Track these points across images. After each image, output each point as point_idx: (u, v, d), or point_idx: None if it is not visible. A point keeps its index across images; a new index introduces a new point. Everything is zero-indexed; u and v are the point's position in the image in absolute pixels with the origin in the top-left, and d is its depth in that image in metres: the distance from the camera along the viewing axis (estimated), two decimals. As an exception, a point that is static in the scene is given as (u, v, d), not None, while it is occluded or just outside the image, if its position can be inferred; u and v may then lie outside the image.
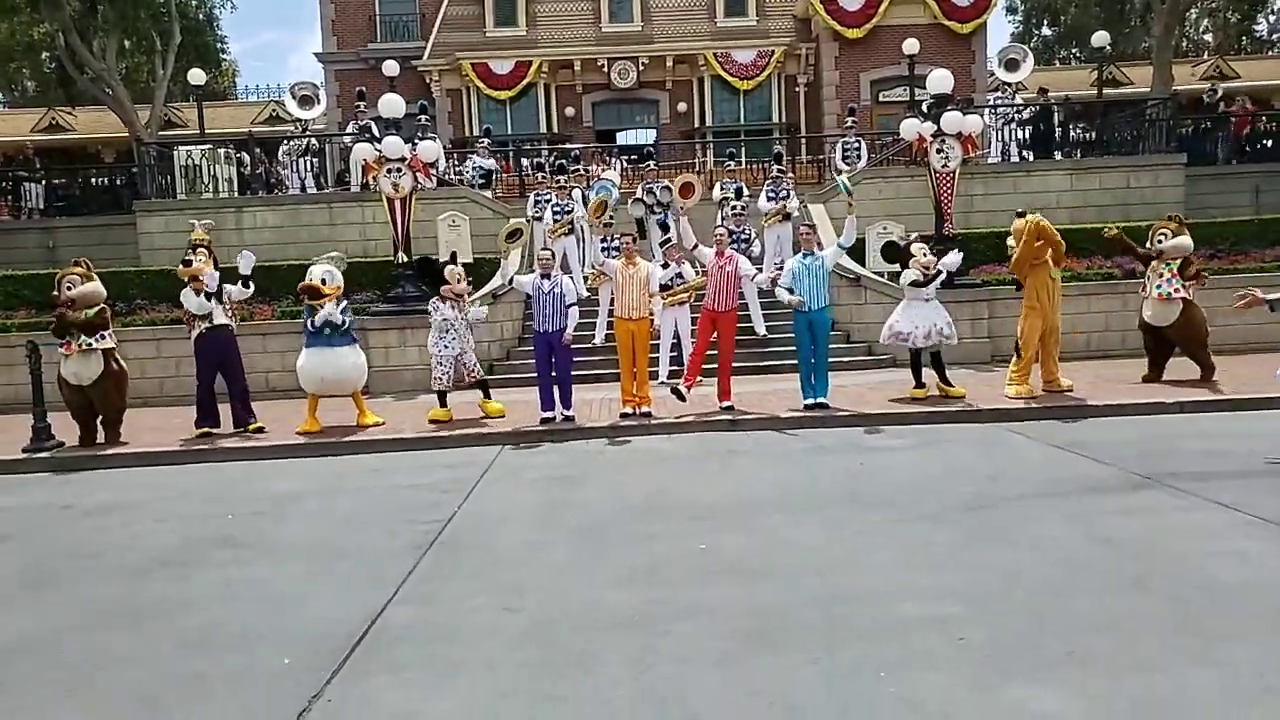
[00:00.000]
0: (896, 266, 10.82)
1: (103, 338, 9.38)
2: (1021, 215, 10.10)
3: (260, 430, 9.70)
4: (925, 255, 10.09)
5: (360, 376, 9.96)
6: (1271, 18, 41.43)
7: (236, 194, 17.32)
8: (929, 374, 10.16)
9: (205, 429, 9.70)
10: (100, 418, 9.63)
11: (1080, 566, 4.92)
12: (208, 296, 9.52)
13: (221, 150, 17.71)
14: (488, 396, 10.21)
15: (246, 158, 18.19)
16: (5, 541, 6.48)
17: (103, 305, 9.53)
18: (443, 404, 10.04)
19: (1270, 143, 20.11)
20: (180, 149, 17.58)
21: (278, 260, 14.88)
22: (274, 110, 29.23)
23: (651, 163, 16.19)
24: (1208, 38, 42.01)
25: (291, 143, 18.58)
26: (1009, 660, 3.80)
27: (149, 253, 16.02)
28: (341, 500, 7.20)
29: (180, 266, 9.70)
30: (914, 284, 10.01)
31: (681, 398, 9.82)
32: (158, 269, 14.62)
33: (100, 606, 4.97)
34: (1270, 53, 37.21)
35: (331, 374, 9.68)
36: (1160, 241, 10.58)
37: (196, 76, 18.46)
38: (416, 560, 5.51)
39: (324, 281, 9.65)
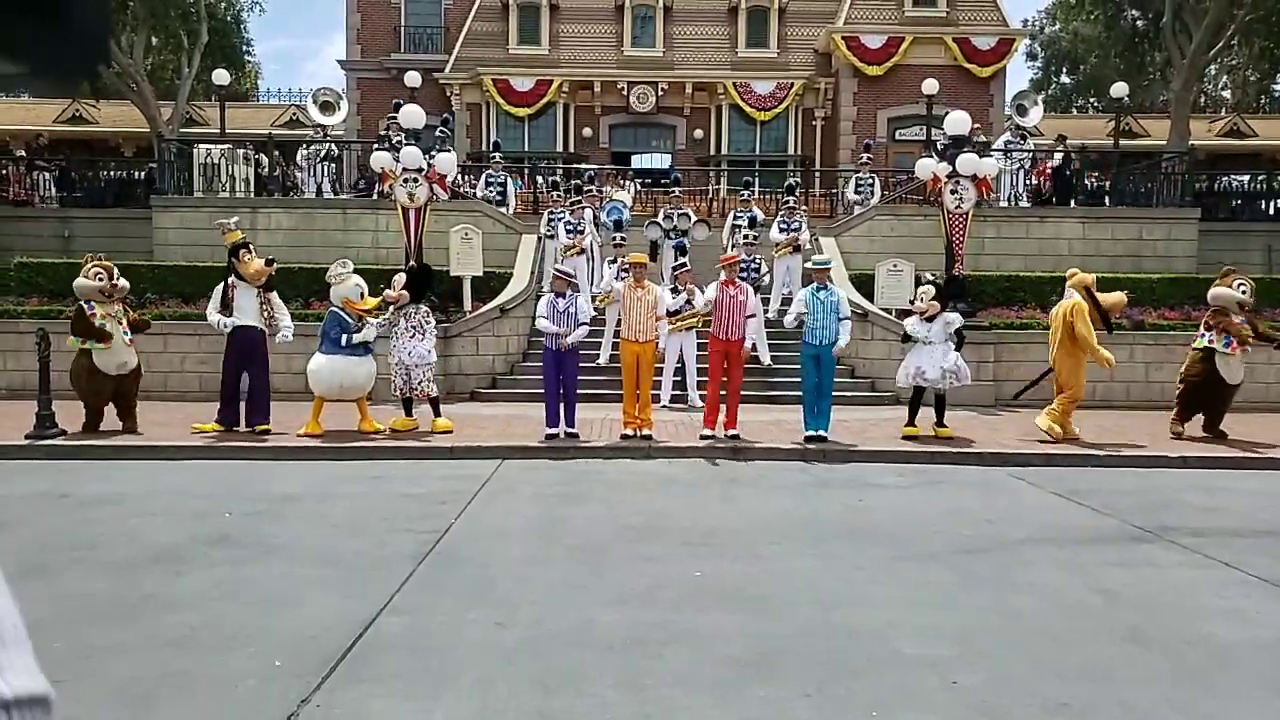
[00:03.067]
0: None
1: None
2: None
3: (266, 432, 9.69)
4: (926, 299, 10.10)
5: (371, 384, 10.01)
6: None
7: (253, 195, 17.43)
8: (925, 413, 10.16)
9: (223, 426, 9.74)
10: (119, 409, 9.77)
11: (1077, 615, 4.90)
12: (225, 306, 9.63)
13: (240, 150, 17.85)
14: (437, 414, 10.18)
15: (264, 159, 18.32)
16: (2, 529, 6.47)
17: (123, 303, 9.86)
18: (407, 412, 10.19)
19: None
20: (200, 147, 17.71)
21: (290, 263, 14.98)
22: (294, 114, 29.43)
23: (677, 188, 16.32)
24: (1226, 94, 42.23)
25: (310, 147, 18.70)
26: (1003, 706, 3.78)
27: (163, 248, 16.10)
28: (339, 505, 7.19)
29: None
30: (908, 334, 10.08)
31: (712, 438, 9.77)
32: (170, 264, 14.69)
33: (91, 599, 4.95)
34: (1287, 113, 37.40)
35: (349, 381, 9.76)
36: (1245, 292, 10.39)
37: (221, 77, 18.66)
38: (411, 570, 5.49)
39: (363, 295, 9.80)
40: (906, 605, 5.01)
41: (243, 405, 9.89)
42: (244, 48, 36.95)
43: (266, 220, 16.18)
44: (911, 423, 10.09)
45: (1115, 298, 10.28)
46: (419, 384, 10.04)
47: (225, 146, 17.58)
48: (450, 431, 9.97)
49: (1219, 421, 10.46)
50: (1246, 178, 21.10)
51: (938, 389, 10.04)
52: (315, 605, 4.87)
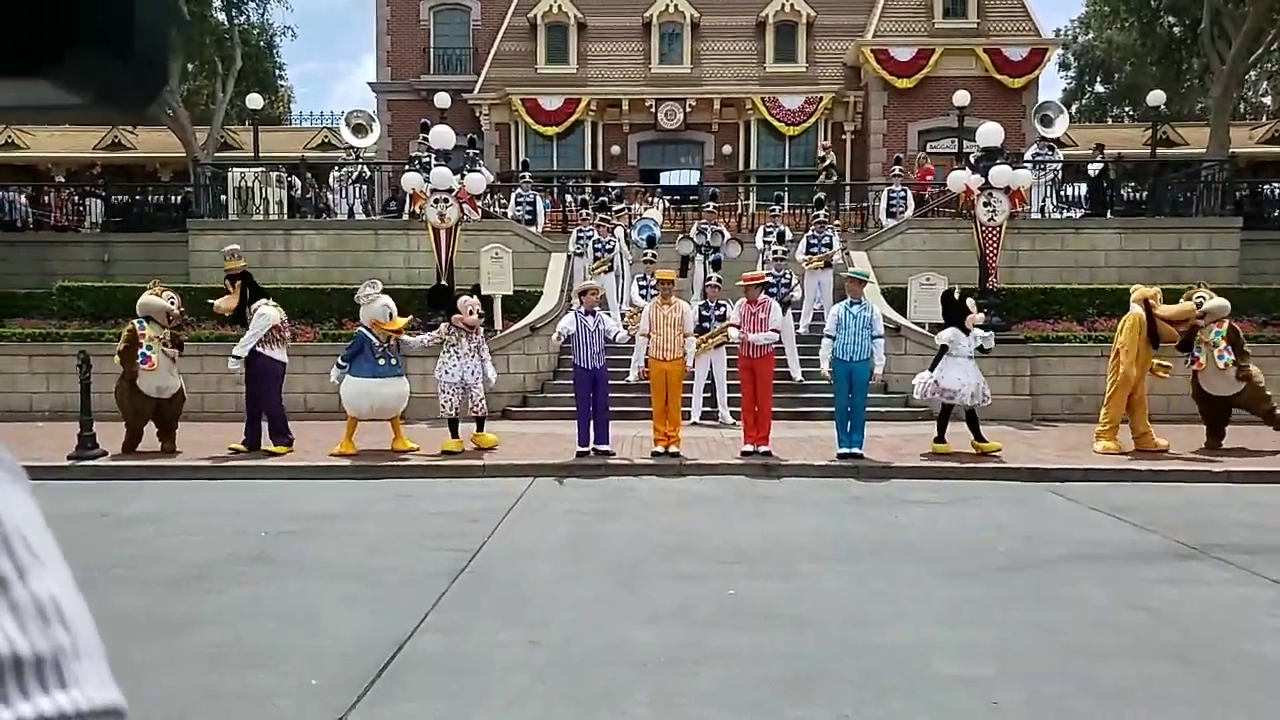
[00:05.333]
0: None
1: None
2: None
3: (272, 454, 9.75)
4: (976, 311, 10.03)
5: (403, 404, 10.07)
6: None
7: (286, 216, 17.67)
8: (951, 429, 10.03)
9: (247, 447, 9.86)
10: (159, 429, 9.94)
11: (1118, 633, 4.80)
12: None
13: (274, 173, 18.12)
14: (481, 429, 10.20)
15: (297, 182, 18.58)
16: (44, 547, 6.57)
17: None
18: (454, 434, 10.07)
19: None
20: (234, 170, 18.00)
21: (322, 284, 15.17)
22: (325, 137, 29.86)
23: (712, 204, 16.33)
24: (1267, 100, 41.56)
25: (343, 169, 18.95)
26: (1044, 726, 3.70)
27: (199, 270, 16.35)
28: (373, 524, 7.23)
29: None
30: (946, 345, 9.91)
31: (753, 453, 9.73)
32: (206, 286, 14.91)
33: (131, 616, 5.01)
34: (1328, 120, 36.66)
35: (379, 402, 9.84)
36: (1200, 303, 10.32)
37: (254, 101, 18.98)
38: (445, 588, 5.51)
39: (391, 315, 9.87)
40: (943, 624, 4.93)
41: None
42: (276, 72, 37.63)
43: (300, 242, 16.39)
44: (941, 439, 9.96)
45: (1180, 308, 10.12)
46: (479, 402, 10.10)
47: (259, 170, 17.86)
48: (495, 446, 10.00)
49: (1271, 417, 10.27)
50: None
51: (967, 406, 9.91)
52: (350, 623, 4.89)
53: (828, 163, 21.57)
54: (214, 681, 4.12)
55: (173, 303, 9.81)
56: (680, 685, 4.09)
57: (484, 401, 10.19)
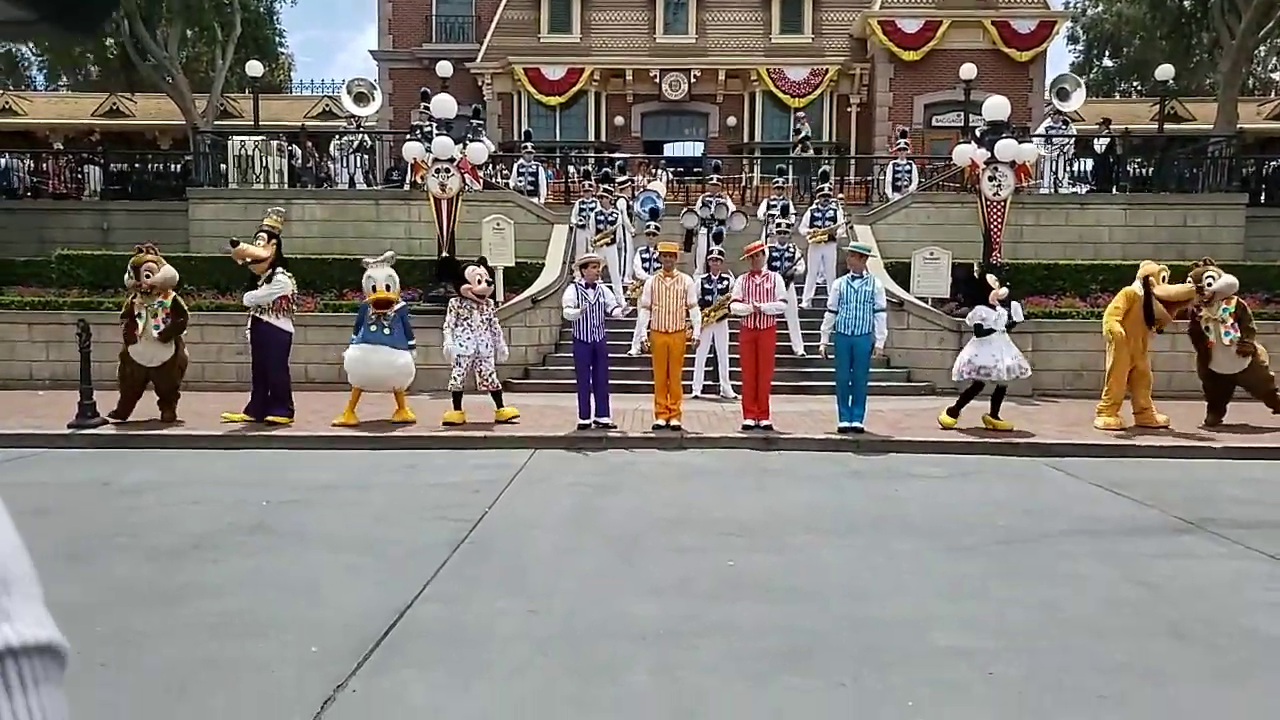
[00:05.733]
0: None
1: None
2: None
3: (274, 424, 9.73)
4: (998, 287, 9.95)
5: (403, 376, 9.98)
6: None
7: (286, 186, 17.59)
8: (968, 406, 10.02)
9: (250, 416, 9.85)
10: (159, 397, 9.89)
11: (1117, 608, 4.81)
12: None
13: (274, 142, 18.01)
14: (500, 405, 10.15)
15: (298, 150, 18.47)
16: (45, 516, 6.60)
17: (176, 299, 9.74)
18: (456, 405, 10.06)
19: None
20: (234, 139, 17.90)
21: (324, 253, 15.12)
22: (326, 105, 29.66)
23: (716, 176, 16.24)
24: (1276, 76, 41.19)
25: (344, 138, 18.83)
26: (1040, 699, 3.72)
27: (199, 239, 16.31)
28: (374, 494, 7.25)
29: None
30: (980, 324, 9.81)
31: (754, 428, 9.72)
32: (206, 255, 14.87)
33: (133, 585, 5.04)
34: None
35: (366, 370, 9.83)
36: (1209, 288, 10.21)
37: (254, 69, 18.81)
38: (445, 558, 5.53)
39: (389, 288, 9.85)
40: (942, 597, 4.95)
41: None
42: (277, 40, 37.28)
43: (300, 211, 16.32)
44: (956, 414, 9.93)
45: (1180, 289, 10.02)
46: (489, 376, 10.08)
47: (259, 138, 17.75)
48: (518, 418, 9.99)
49: (1271, 398, 10.29)
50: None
51: (1005, 381, 9.87)
52: (351, 593, 4.91)
53: (803, 135, 21.48)
54: (215, 650, 4.14)
55: (130, 277, 9.62)
56: (680, 657, 4.11)
57: (494, 375, 10.16)
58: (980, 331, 9.77)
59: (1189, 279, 10.24)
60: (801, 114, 24.34)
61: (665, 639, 4.31)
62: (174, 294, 9.72)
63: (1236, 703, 3.73)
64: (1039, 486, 7.82)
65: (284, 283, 9.75)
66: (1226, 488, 7.78)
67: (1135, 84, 41.22)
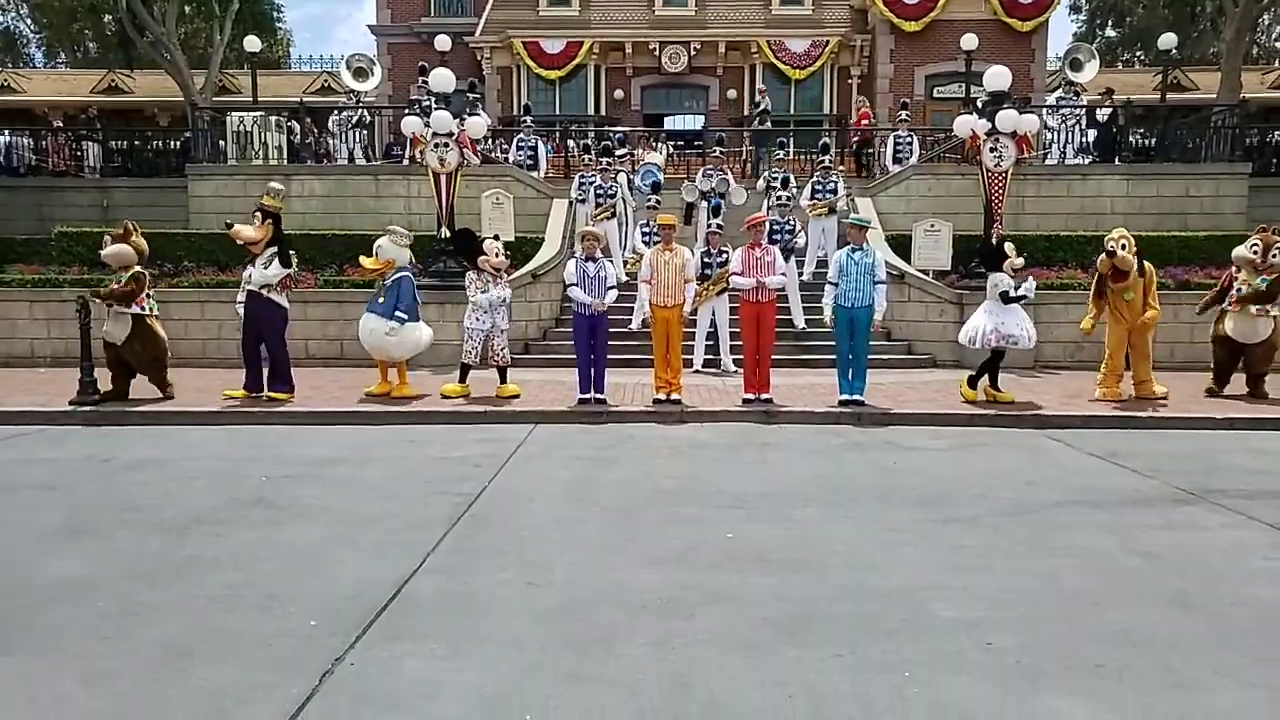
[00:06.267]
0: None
1: (135, 305, 9.55)
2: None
3: (275, 400, 9.71)
4: (1016, 257, 9.88)
5: (390, 346, 9.92)
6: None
7: (286, 162, 17.50)
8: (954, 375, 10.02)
9: (249, 392, 9.85)
10: (145, 376, 9.87)
11: (1117, 578, 4.82)
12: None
13: (273, 118, 17.89)
14: (504, 380, 10.12)
15: (297, 126, 18.36)
16: (50, 491, 6.62)
17: (137, 271, 9.57)
18: (462, 379, 10.06)
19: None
20: (233, 115, 17.78)
21: (324, 229, 15.07)
22: (325, 81, 29.47)
23: (718, 149, 16.16)
24: None
25: (343, 113, 18.71)
26: (1038, 669, 3.73)
27: (198, 216, 16.26)
28: (374, 468, 7.26)
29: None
30: (1008, 291, 9.73)
31: (754, 401, 9.70)
32: (206, 232, 14.83)
33: (136, 558, 5.05)
34: (1343, 64, 36.01)
35: (370, 340, 9.94)
36: (1275, 260, 10.07)
37: (252, 44, 18.67)
38: (445, 531, 5.54)
39: (378, 257, 9.91)
40: (942, 568, 4.96)
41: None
42: (275, 14, 37.03)
43: (300, 187, 16.25)
44: (992, 384, 9.87)
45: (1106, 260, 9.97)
46: (502, 350, 10.07)
47: (258, 114, 17.64)
48: (519, 395, 9.98)
49: (1256, 381, 10.31)
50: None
51: (1028, 348, 9.94)
52: (351, 566, 4.93)
53: (761, 107, 21.37)
54: (216, 623, 4.16)
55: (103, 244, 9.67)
56: (678, 627, 4.12)
57: (506, 350, 10.14)
58: (1008, 299, 9.73)
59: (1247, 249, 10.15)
60: (762, 87, 24.12)
61: (664, 610, 4.32)
62: (138, 268, 9.58)
63: (1236, 670, 3.73)
64: (1039, 458, 7.82)
65: (289, 262, 9.78)
66: (1228, 458, 7.78)
67: (1138, 53, 40.85)
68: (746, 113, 27.02)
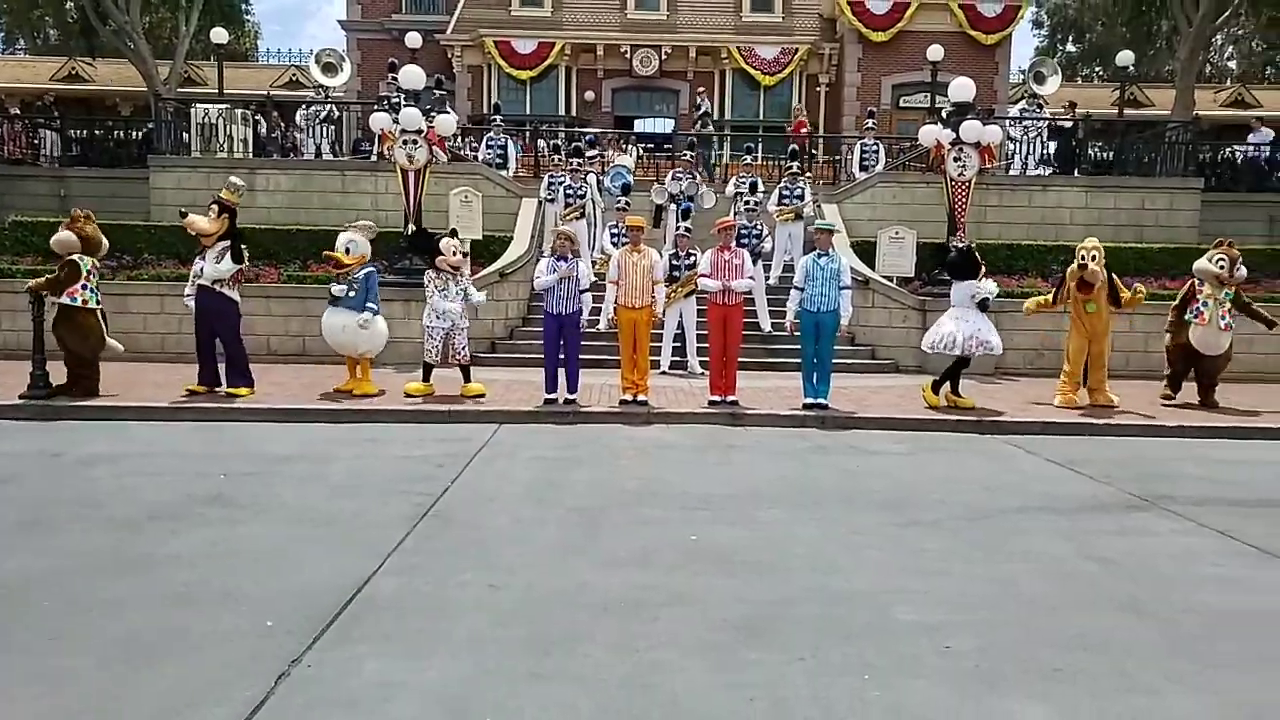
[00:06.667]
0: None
1: (66, 295, 9.28)
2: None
3: (234, 396, 9.57)
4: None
5: (360, 340, 9.87)
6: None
7: (251, 155, 17.26)
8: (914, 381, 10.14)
9: (205, 387, 9.70)
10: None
11: (1073, 583, 4.90)
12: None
13: (239, 111, 17.64)
14: (468, 379, 10.05)
15: (263, 120, 18.12)
16: (2, 485, 6.46)
17: (70, 259, 9.30)
18: (425, 378, 10.00)
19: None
20: (198, 106, 17.51)
21: (288, 224, 14.89)
22: (294, 75, 29.13)
23: (689, 153, 16.20)
24: (1232, 65, 41.78)
25: (311, 108, 18.50)
26: (995, 672, 3.78)
27: (159, 208, 15.97)
28: (335, 467, 7.18)
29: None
30: (984, 299, 9.95)
31: (720, 403, 9.72)
32: (167, 224, 14.57)
33: (87, 556, 4.95)
34: (1294, 84, 37.00)
35: (338, 336, 9.86)
36: (1238, 273, 10.45)
37: (219, 35, 18.38)
38: (407, 531, 5.49)
39: (347, 251, 9.81)
40: (902, 571, 5.01)
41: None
42: (243, 6, 36.53)
43: (265, 181, 16.04)
44: (954, 389, 10.03)
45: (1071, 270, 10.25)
46: (462, 348, 10.00)
47: (223, 106, 17.39)
48: (483, 395, 9.90)
49: (1208, 391, 10.53)
50: (1250, 148, 20.86)
51: (997, 354, 10.14)
52: (310, 565, 4.87)
53: (703, 111, 21.49)
54: (170, 622, 4.08)
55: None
56: (640, 629, 4.12)
57: (467, 348, 10.08)
58: (985, 306, 9.89)
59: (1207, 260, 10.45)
60: (702, 90, 24.13)
61: (626, 611, 4.31)
62: (74, 257, 9.30)
63: (1186, 675, 3.81)
64: (999, 463, 7.93)
65: (241, 258, 9.67)
66: (1179, 465, 7.94)
67: (1097, 69, 41.63)
68: (716, 117, 27.11)
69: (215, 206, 9.63)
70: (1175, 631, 4.27)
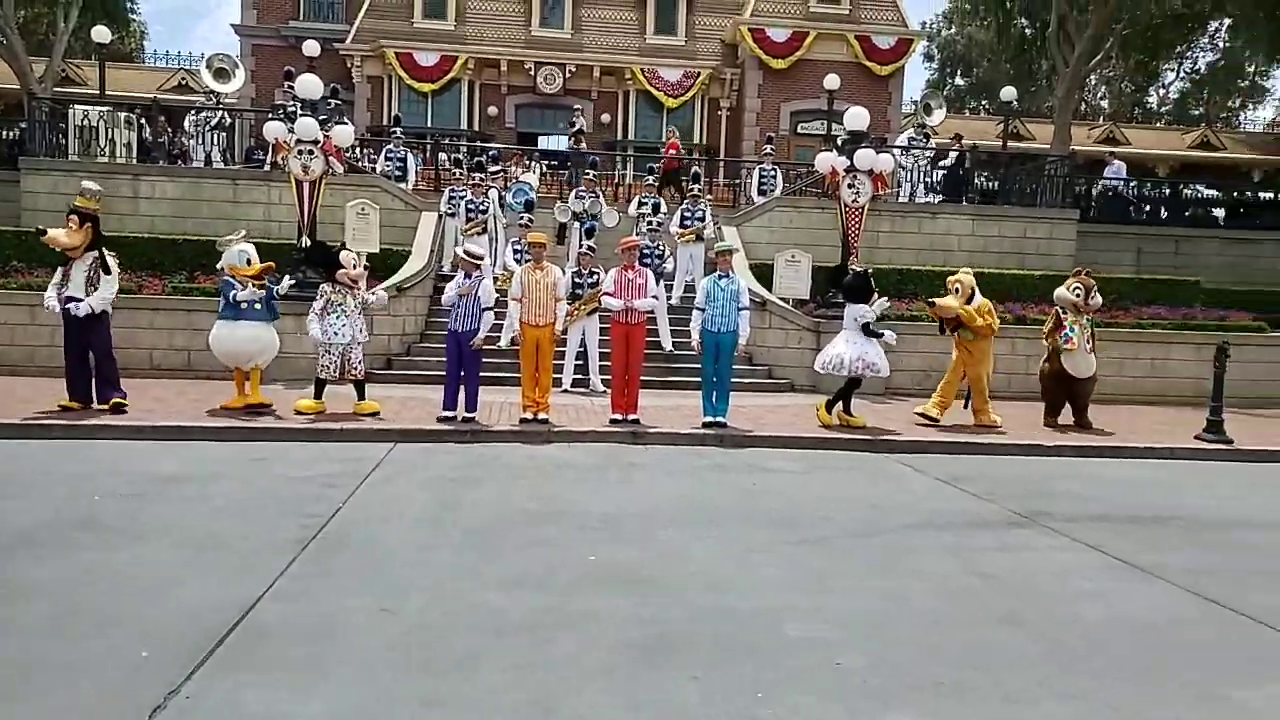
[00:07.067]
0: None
1: None
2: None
3: (120, 407, 9.14)
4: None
5: (269, 352, 9.60)
6: (1162, 91, 44.22)
7: (135, 160, 16.52)
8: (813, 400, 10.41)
9: (79, 403, 9.21)
10: None
11: (958, 598, 5.08)
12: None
13: (122, 114, 16.87)
14: (362, 397, 9.82)
15: (149, 124, 17.38)
16: None
17: None
18: (318, 395, 9.71)
19: (1149, 208, 21.48)
20: (76, 108, 16.68)
21: (174, 234, 14.30)
22: (183, 79, 28.05)
23: (591, 171, 16.24)
24: (1105, 104, 44.41)
25: (201, 114, 17.83)
26: (883, 687, 3.88)
27: (31, 214, 15.10)
28: (221, 487, 6.90)
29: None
30: (866, 323, 10.21)
31: (621, 422, 9.73)
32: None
33: (-57, 584, 4.62)
34: (1157, 123, 39.52)
35: (232, 346, 9.45)
36: (1094, 300, 11.02)
37: (101, 34, 17.56)
38: (295, 554, 5.31)
39: (249, 262, 9.49)
40: (795, 589, 5.10)
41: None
42: (128, 4, 35.01)
43: (150, 189, 15.37)
44: (845, 409, 10.27)
45: (945, 303, 10.66)
46: (357, 364, 9.72)
47: (105, 108, 16.60)
48: (378, 413, 9.64)
49: (1081, 412, 11.08)
50: (1120, 183, 22.20)
51: (884, 376, 10.43)
52: (190, 591, 4.65)
53: (577, 128, 21.79)
54: (37, 653, 3.84)
55: None
56: (536, 651, 4.08)
57: (362, 365, 9.83)
58: (869, 331, 10.20)
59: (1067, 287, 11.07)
60: (578, 107, 24.31)
61: (523, 633, 4.27)
62: None
63: (1061, 682, 3.99)
64: (888, 481, 8.17)
65: (116, 279, 9.33)
66: (1058, 483, 8.33)
67: (984, 103, 43.65)
68: (619, 138, 27.37)
69: (75, 217, 9.09)
70: (1052, 644, 4.46)
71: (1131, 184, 22.34)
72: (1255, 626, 4.83)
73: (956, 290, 10.54)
